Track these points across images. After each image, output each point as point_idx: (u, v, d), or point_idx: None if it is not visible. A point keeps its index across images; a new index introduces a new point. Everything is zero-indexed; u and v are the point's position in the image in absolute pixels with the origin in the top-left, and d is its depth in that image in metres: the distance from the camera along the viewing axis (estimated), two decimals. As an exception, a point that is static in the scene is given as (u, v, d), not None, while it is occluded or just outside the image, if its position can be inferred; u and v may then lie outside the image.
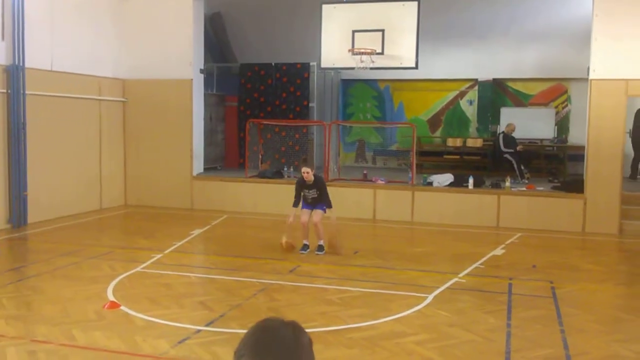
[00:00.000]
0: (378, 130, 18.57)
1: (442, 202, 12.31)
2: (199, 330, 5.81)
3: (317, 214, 9.05)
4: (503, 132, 14.41)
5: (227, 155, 16.81)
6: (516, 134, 14.31)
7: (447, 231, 11.41)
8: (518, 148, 14.05)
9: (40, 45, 11.37)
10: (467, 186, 12.43)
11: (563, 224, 11.55)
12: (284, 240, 9.17)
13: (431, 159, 17.07)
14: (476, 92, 17.63)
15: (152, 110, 13.60)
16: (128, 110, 13.82)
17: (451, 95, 17.97)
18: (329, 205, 9.10)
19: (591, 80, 11.41)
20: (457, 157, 16.92)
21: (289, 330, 1.74)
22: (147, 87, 13.58)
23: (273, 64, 16.27)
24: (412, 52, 12.31)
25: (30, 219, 11.19)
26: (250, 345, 1.65)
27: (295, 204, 9.11)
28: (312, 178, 8.96)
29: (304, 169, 8.94)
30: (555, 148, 16.60)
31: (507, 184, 12.39)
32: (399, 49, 12.39)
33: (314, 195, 9.05)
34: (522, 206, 11.88)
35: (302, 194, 9.12)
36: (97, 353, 5.25)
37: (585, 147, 11.68)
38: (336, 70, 16.59)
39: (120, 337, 5.56)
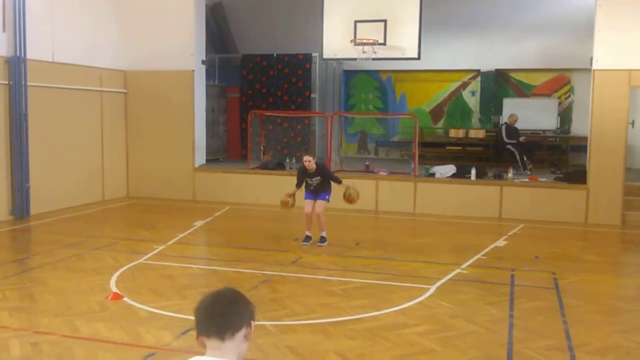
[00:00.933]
0: (380, 122, 18.54)
1: (444, 193, 12.29)
2: (201, 322, 5.81)
3: (320, 205, 9.06)
4: (505, 123, 14.38)
5: (229, 146, 16.81)
6: (519, 125, 14.27)
7: (450, 222, 11.41)
8: (520, 139, 14.01)
9: (42, 36, 11.36)
10: (469, 177, 12.41)
11: (565, 215, 11.54)
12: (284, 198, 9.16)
13: (433, 150, 17.04)
14: (478, 83, 17.58)
15: (153, 102, 13.59)
16: (129, 101, 13.81)
17: (453, 86, 17.92)
18: (338, 181, 9.17)
19: (594, 70, 11.37)
20: (460, 148, 16.89)
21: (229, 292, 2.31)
22: (149, 79, 13.56)
23: (275, 54, 16.23)
24: (414, 42, 12.27)
25: (33, 210, 11.22)
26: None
27: (298, 186, 9.17)
28: (314, 166, 8.97)
29: (306, 158, 8.96)
30: (558, 139, 16.56)
31: (510, 175, 12.37)
32: (401, 39, 12.34)
33: (316, 183, 9.06)
34: (524, 197, 11.87)
35: (304, 181, 9.12)
36: (100, 344, 5.26)
37: (588, 138, 11.65)
38: (338, 61, 16.56)
39: (123, 329, 5.58)
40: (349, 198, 9.13)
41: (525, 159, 13.73)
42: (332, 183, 9.18)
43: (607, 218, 11.36)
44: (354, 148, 18.68)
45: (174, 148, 13.54)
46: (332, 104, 17.77)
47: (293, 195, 9.16)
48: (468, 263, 8.25)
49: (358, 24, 12.48)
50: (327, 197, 9.14)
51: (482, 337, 5.57)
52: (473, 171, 12.42)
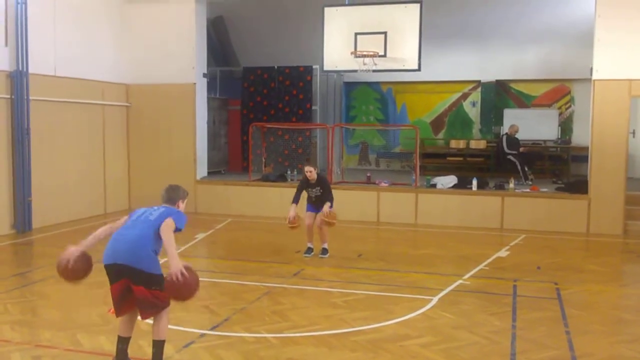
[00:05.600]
0: (381, 133, 18.57)
1: (445, 204, 12.29)
2: (203, 334, 5.82)
3: (321, 216, 9.03)
4: (506, 133, 14.39)
5: (231, 159, 16.83)
6: (519, 135, 14.29)
7: (451, 233, 11.40)
8: (521, 149, 14.03)
9: (44, 50, 11.43)
10: (470, 188, 12.42)
11: (567, 225, 11.53)
12: (290, 216, 8.85)
13: (434, 161, 17.05)
14: (479, 94, 17.63)
15: (155, 115, 13.65)
16: (131, 114, 13.86)
17: (454, 97, 17.97)
18: (331, 200, 9.01)
19: (594, 80, 11.41)
20: (461, 158, 16.90)
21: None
22: (151, 92, 13.62)
23: (276, 67, 16.30)
24: (414, 54, 12.32)
25: (35, 224, 11.23)
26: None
27: (295, 200, 9.01)
28: (315, 177, 8.98)
29: (307, 168, 8.97)
30: (558, 149, 16.57)
31: (511, 185, 12.37)
32: (402, 51, 12.39)
33: (317, 194, 9.06)
34: (526, 207, 11.86)
35: (305, 193, 9.12)
36: (102, 358, 5.26)
37: (589, 148, 11.66)
38: (339, 72, 16.61)
39: (125, 342, 5.55)
40: (329, 217, 8.84)
41: (526, 169, 13.73)
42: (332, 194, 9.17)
43: (608, 228, 11.35)
44: (355, 159, 18.70)
45: (176, 161, 13.57)
46: (333, 116, 17.82)
47: (294, 216, 8.83)
48: (470, 274, 8.24)
49: (358, 36, 12.54)
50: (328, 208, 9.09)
51: (485, 348, 5.55)
52: (474, 182, 12.42)
